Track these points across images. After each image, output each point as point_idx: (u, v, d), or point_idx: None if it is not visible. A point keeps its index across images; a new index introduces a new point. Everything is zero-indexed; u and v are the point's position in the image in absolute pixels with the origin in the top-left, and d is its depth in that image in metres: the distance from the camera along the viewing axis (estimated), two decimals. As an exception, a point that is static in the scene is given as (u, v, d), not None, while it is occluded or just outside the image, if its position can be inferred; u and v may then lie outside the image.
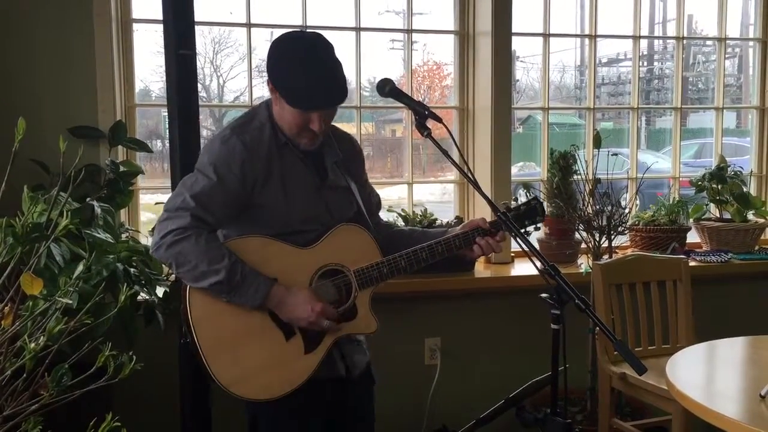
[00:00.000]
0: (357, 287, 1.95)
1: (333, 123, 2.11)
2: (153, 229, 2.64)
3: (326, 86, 1.85)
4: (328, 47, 1.89)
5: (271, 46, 1.91)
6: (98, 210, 2.46)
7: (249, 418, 2.02)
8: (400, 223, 3.13)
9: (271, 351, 1.87)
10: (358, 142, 3.43)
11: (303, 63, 1.83)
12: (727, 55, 4.15)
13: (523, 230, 2.04)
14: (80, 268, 1.23)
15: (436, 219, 3.16)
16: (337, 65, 1.87)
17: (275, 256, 1.89)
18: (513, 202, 2.28)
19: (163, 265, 2.70)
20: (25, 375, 1.13)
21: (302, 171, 1.96)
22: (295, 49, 1.87)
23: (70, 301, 1.18)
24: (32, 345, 1.05)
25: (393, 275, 1.98)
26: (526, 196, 3.13)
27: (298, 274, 1.90)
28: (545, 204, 3.40)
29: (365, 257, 1.97)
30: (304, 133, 1.91)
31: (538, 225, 2.12)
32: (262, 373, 1.86)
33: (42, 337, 1.09)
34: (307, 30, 2.01)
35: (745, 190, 3.63)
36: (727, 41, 4.03)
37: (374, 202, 2.21)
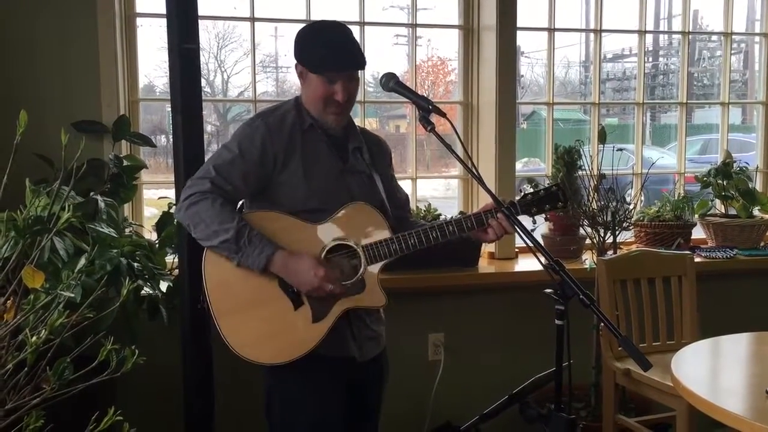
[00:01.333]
0: (366, 262, 1.99)
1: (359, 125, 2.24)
2: (156, 223, 2.66)
3: (346, 51, 2.00)
4: (347, 27, 2.08)
5: (297, 33, 2.07)
6: (102, 204, 2.45)
7: (265, 391, 2.10)
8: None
9: (279, 318, 1.95)
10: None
11: (324, 35, 2.04)
12: (732, 51, 4.13)
13: (542, 215, 2.07)
14: (82, 261, 1.23)
15: (440, 214, 3.15)
16: (354, 39, 2.05)
17: (285, 229, 1.97)
18: (531, 188, 2.30)
19: (167, 259, 2.70)
20: (27, 369, 1.13)
21: (324, 152, 2.05)
22: (317, 28, 2.09)
23: (72, 295, 1.17)
24: (33, 338, 1.05)
25: (402, 252, 2.01)
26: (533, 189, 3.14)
27: (307, 248, 1.96)
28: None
29: (375, 234, 2.02)
30: (329, 108, 2.03)
31: (560, 211, 2.09)
32: (271, 339, 1.95)
33: (44, 331, 1.09)
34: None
35: (750, 186, 3.61)
36: (733, 36, 4.00)
37: (402, 198, 2.28)
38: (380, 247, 2.00)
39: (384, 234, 2.02)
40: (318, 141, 2.05)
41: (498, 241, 2.10)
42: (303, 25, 2.15)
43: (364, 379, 2.15)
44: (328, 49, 1.99)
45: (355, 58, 2.01)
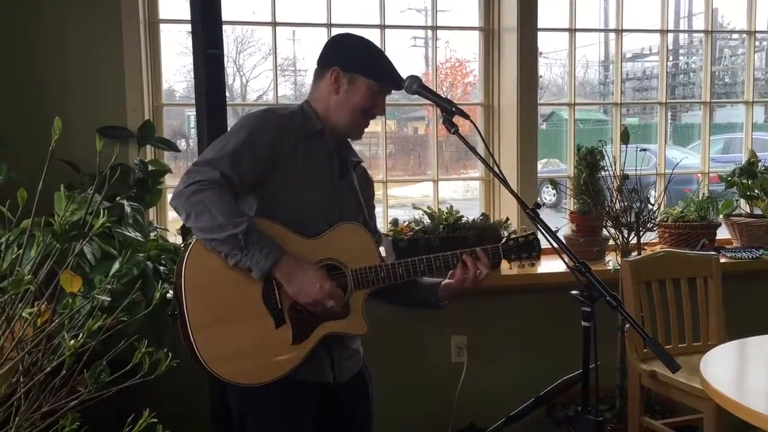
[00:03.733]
0: (353, 287, 1.92)
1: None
2: (181, 227, 2.66)
3: (397, 71, 2.01)
4: None
5: (335, 42, 2.06)
6: (128, 209, 2.48)
7: (237, 416, 1.98)
8: (426, 221, 3.12)
9: (258, 336, 1.83)
10: (383, 140, 3.46)
11: (376, 49, 2.06)
12: (755, 49, 4.09)
13: (516, 262, 2.08)
14: (116, 266, 1.25)
15: (461, 216, 3.15)
16: None
17: (279, 239, 1.84)
18: (513, 233, 2.37)
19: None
20: (64, 372, 1.15)
21: (323, 163, 1.98)
22: (366, 41, 2.06)
23: (108, 299, 1.19)
24: (71, 342, 1.07)
25: (388, 281, 1.95)
26: (554, 192, 3.14)
27: None
28: (572, 201, 3.40)
29: (364, 258, 1.96)
30: (364, 120, 2.02)
31: (533, 262, 2.13)
32: (246, 357, 1.82)
33: (81, 334, 1.11)
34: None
35: (776, 185, 3.57)
36: (756, 34, 3.96)
37: (376, 237, 2.14)
38: (369, 273, 1.93)
39: (373, 260, 1.97)
40: (320, 150, 1.98)
41: (462, 289, 2.01)
42: (323, 29, 2.15)
43: (345, 401, 2.05)
44: (387, 63, 2.00)
45: (402, 79, 2.00)
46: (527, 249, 2.08)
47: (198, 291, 1.79)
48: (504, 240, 2.10)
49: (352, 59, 1.98)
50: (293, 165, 1.90)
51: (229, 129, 1.94)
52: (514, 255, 2.07)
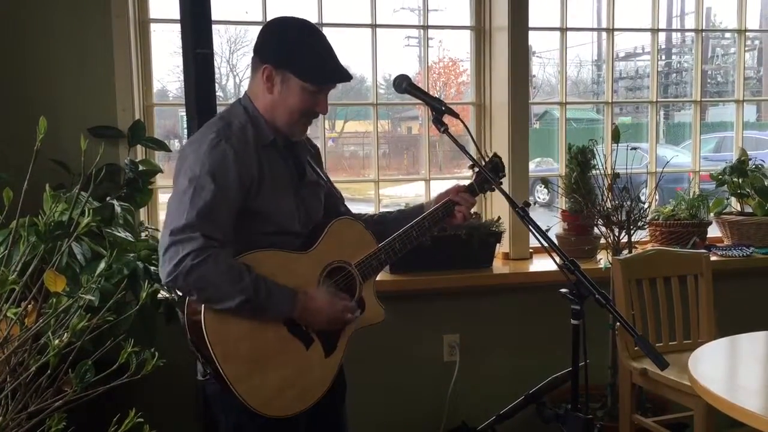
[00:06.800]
0: (361, 280, 1.96)
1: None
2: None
3: (337, 61, 1.86)
4: (322, 32, 1.94)
5: (267, 30, 1.89)
6: (118, 209, 2.47)
7: (233, 427, 1.90)
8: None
9: (295, 363, 1.85)
10: (375, 139, 3.46)
11: (312, 40, 1.85)
12: (746, 48, 4.10)
13: (490, 190, 2.15)
14: (102, 265, 1.24)
15: (453, 215, 3.15)
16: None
17: (281, 266, 1.83)
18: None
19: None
20: (49, 371, 1.14)
21: (284, 171, 1.91)
22: (299, 28, 1.87)
23: (93, 298, 1.19)
24: (56, 341, 1.07)
25: (390, 260, 2.01)
26: (547, 191, 3.16)
27: (306, 279, 1.87)
28: (564, 200, 3.41)
29: (362, 248, 1.99)
30: (304, 119, 1.90)
31: (501, 181, 2.16)
32: (291, 388, 1.84)
33: (66, 334, 1.10)
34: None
35: (766, 183, 3.58)
36: (747, 33, 3.98)
37: (338, 195, 2.15)
38: (371, 261, 1.97)
39: (370, 246, 1.99)
40: (277, 159, 1.89)
41: (465, 218, 2.11)
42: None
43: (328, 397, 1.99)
44: (322, 58, 1.83)
45: (345, 70, 1.87)
46: (495, 171, 2.15)
47: (227, 348, 1.75)
48: (474, 177, 2.13)
49: (283, 56, 1.81)
50: (264, 186, 1.83)
51: (184, 168, 1.78)
52: (486, 186, 2.12)
